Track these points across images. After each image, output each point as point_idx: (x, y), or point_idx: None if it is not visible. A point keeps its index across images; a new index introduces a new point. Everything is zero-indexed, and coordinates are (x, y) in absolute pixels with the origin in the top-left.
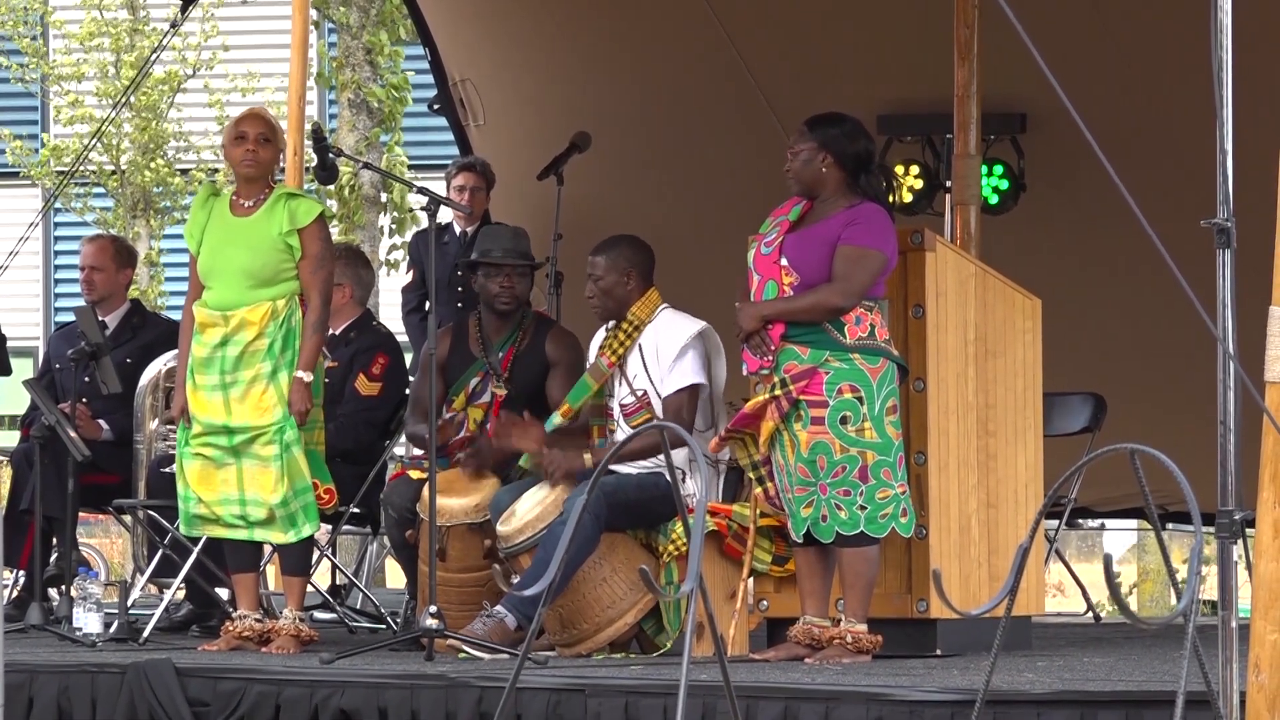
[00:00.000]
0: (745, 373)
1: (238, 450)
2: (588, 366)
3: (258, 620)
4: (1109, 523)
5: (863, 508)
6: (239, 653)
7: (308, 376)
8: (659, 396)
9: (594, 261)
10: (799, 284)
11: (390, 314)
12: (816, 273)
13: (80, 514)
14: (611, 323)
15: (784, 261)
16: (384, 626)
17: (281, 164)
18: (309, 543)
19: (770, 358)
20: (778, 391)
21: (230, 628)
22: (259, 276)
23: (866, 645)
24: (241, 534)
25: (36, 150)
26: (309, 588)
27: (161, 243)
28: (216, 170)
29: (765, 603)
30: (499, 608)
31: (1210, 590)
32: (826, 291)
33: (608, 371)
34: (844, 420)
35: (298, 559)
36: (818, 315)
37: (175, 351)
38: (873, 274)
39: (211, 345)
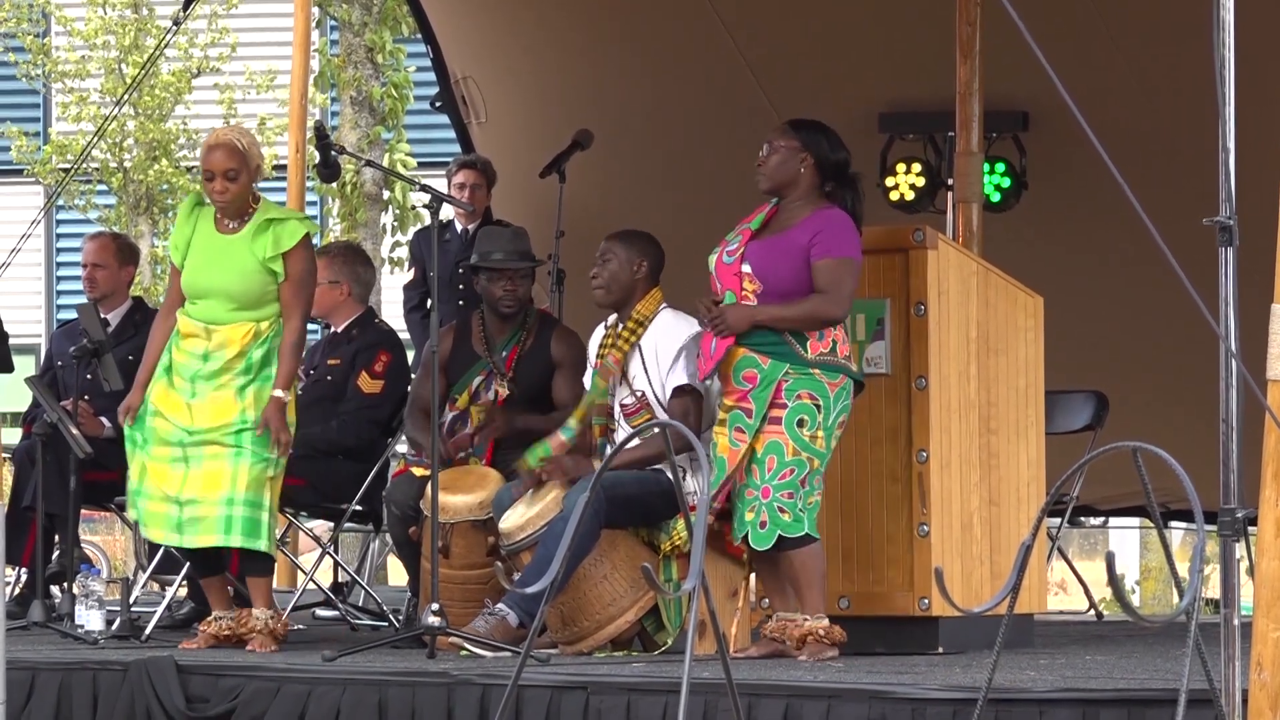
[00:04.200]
0: (699, 379)
1: (188, 456)
2: (594, 365)
3: (232, 619)
4: (1114, 520)
5: (803, 510)
6: (240, 650)
7: (285, 395)
8: (657, 398)
9: (608, 246)
10: (762, 292)
11: (393, 312)
12: (782, 281)
13: (82, 511)
14: (612, 319)
15: (746, 269)
16: (386, 624)
17: (283, 161)
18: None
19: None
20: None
21: (205, 629)
22: (242, 301)
23: (836, 636)
24: (173, 540)
25: (40, 148)
26: (311, 584)
27: (167, 240)
28: None
29: (767, 600)
30: (501, 605)
31: (1212, 588)
32: (821, 302)
33: (615, 369)
34: (800, 424)
35: (259, 561)
36: (811, 326)
37: None
38: (856, 280)
39: (193, 354)
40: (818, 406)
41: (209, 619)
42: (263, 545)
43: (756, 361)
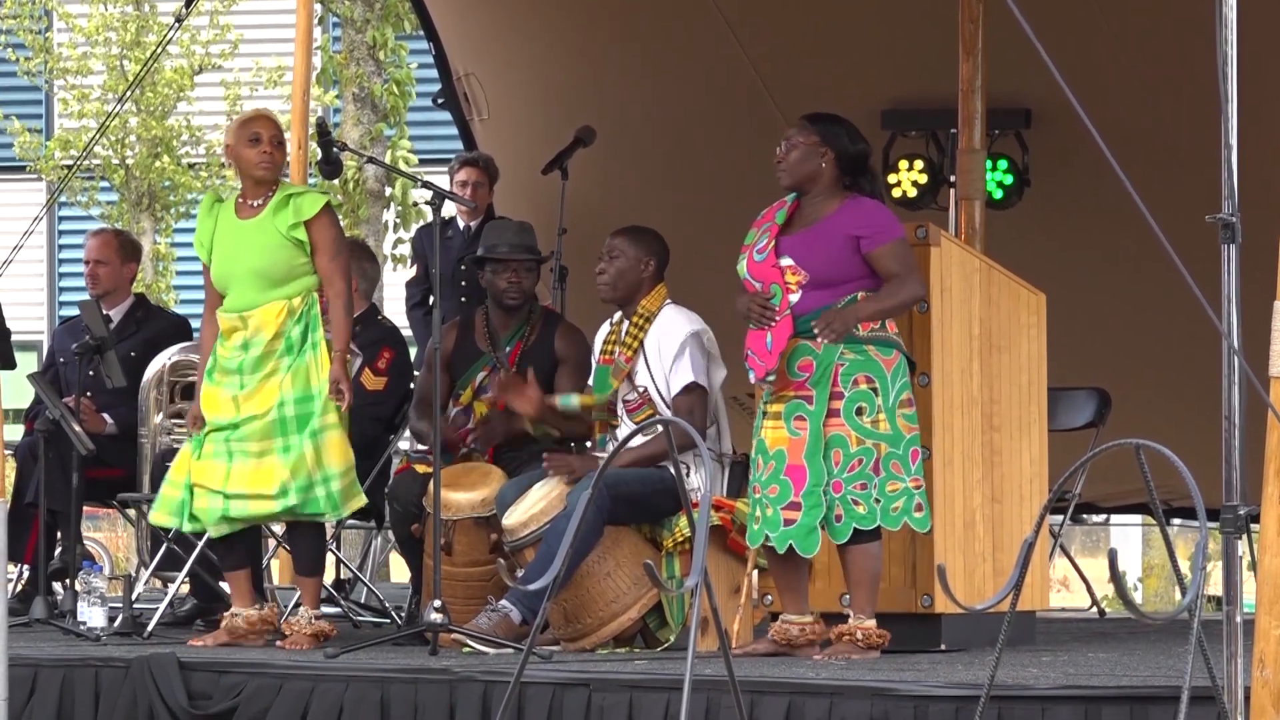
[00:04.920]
0: (753, 380)
1: (231, 451)
2: (600, 362)
3: (254, 615)
4: (1116, 518)
5: (877, 500)
6: (242, 647)
7: (347, 355)
8: (659, 394)
9: (614, 244)
10: (808, 281)
11: (395, 308)
12: (826, 267)
13: (85, 508)
14: (616, 316)
15: (787, 261)
16: (388, 621)
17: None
18: (321, 542)
19: (776, 355)
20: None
21: (230, 626)
22: (271, 276)
23: (876, 640)
24: (223, 529)
25: (43, 144)
26: None
27: (170, 237)
28: (225, 165)
29: (770, 597)
30: (503, 602)
31: (1215, 585)
32: (906, 284)
33: (627, 368)
34: (859, 411)
35: (311, 559)
36: (907, 308)
37: (180, 345)
38: (914, 255)
39: (235, 348)
40: (875, 390)
41: (229, 613)
42: (323, 508)
43: (810, 349)
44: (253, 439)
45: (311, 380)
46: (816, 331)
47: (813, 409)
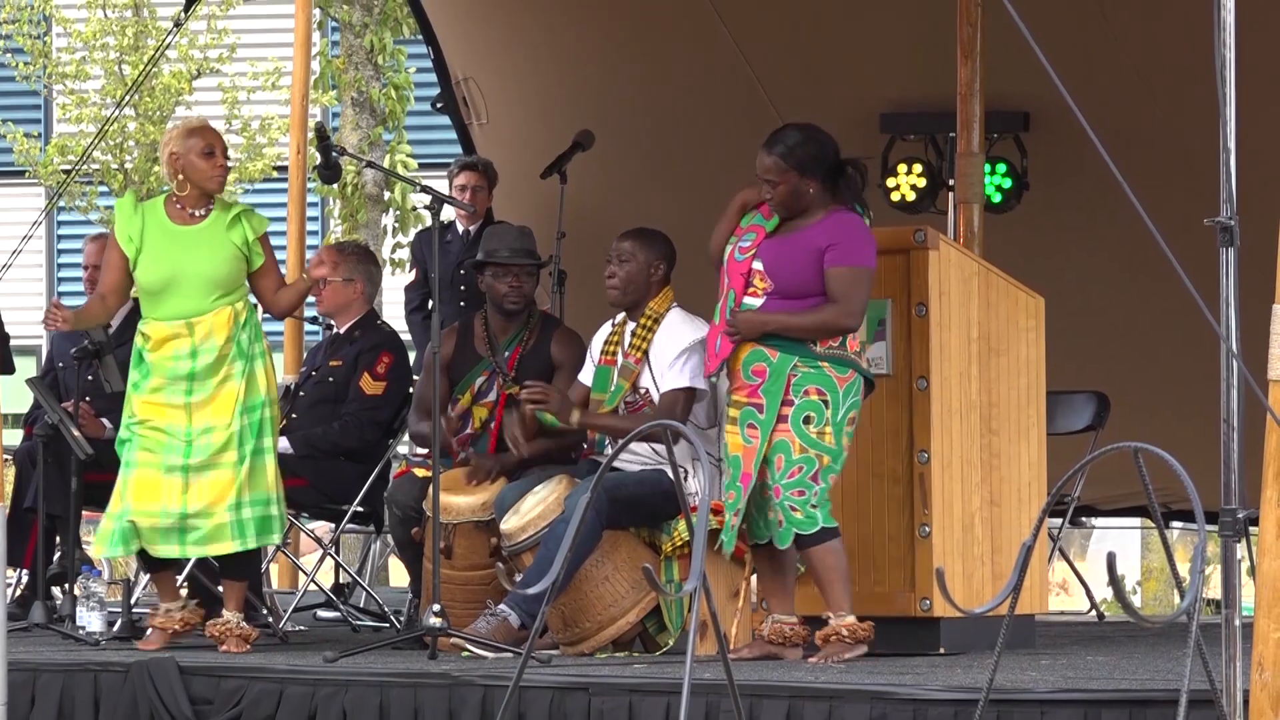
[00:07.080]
0: (704, 374)
1: (188, 467)
2: (600, 362)
3: (181, 608)
4: (1115, 520)
5: (815, 506)
6: (249, 653)
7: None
8: (659, 395)
9: (624, 247)
10: (773, 290)
11: (394, 313)
12: (792, 279)
13: (83, 512)
14: (619, 317)
15: (758, 266)
16: (387, 625)
17: (284, 162)
18: (255, 551)
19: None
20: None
21: (159, 623)
22: (223, 284)
23: (862, 635)
24: (174, 551)
25: (42, 149)
26: (312, 586)
27: None
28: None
29: (768, 601)
30: (502, 606)
31: (1213, 589)
32: (833, 312)
33: (636, 369)
34: (806, 420)
35: (242, 564)
36: (822, 334)
37: None
38: (868, 289)
39: (178, 356)
40: (825, 402)
41: (160, 613)
42: (276, 538)
43: (765, 355)
44: (210, 451)
45: (259, 389)
46: (726, 329)
47: (763, 417)
